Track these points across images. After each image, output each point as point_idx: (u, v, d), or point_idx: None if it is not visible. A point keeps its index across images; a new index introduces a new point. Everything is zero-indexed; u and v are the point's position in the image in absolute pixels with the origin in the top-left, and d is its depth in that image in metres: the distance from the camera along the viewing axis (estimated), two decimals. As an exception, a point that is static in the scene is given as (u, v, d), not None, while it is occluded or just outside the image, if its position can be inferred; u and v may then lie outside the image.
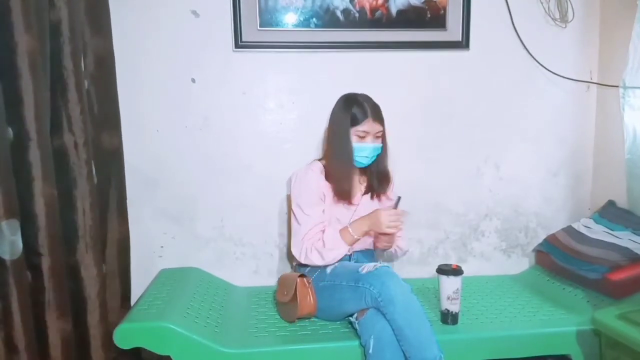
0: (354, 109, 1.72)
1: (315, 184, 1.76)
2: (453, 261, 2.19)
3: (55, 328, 1.44)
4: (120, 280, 1.84)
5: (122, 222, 1.84)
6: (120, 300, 1.84)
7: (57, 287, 1.44)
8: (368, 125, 1.72)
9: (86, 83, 1.67)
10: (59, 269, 1.46)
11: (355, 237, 1.70)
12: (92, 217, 1.60)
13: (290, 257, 2.02)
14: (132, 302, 1.93)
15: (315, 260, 1.70)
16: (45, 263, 1.40)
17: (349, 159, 1.73)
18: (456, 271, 1.67)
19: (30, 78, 1.33)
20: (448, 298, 1.67)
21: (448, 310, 1.68)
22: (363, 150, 1.73)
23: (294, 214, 1.78)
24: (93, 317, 1.60)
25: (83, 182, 1.56)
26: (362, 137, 1.72)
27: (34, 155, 1.36)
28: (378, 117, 1.74)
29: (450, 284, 1.67)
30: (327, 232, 1.73)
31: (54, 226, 1.43)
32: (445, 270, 1.68)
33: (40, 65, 1.37)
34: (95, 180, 1.66)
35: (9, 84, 1.31)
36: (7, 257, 1.29)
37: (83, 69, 1.62)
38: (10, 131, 1.33)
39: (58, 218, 1.47)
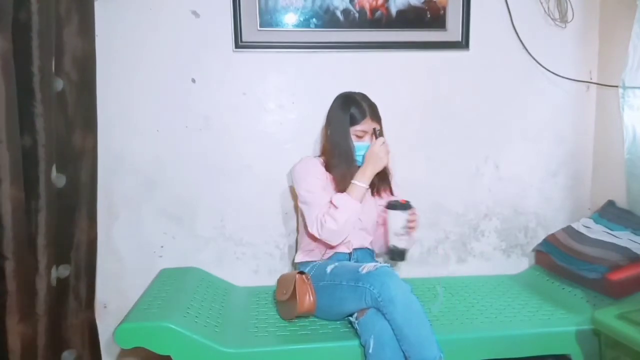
0: (352, 109, 1.74)
1: (318, 171, 1.79)
2: (453, 261, 2.20)
3: (16, 332, 1.40)
4: (87, 282, 1.80)
5: (90, 224, 1.80)
6: (85, 301, 1.79)
7: (20, 291, 1.40)
8: (366, 125, 1.74)
9: (61, 83, 1.66)
10: (23, 272, 1.42)
11: (361, 185, 1.69)
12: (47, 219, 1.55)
13: (291, 252, 2.03)
14: (101, 304, 1.93)
15: (330, 224, 1.67)
16: (9, 266, 1.37)
17: (351, 159, 1.74)
18: (403, 205, 1.63)
19: (2, 79, 1.31)
20: (395, 234, 1.64)
21: (395, 247, 1.65)
22: (360, 149, 1.74)
23: (302, 198, 1.77)
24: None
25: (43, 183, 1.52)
26: (360, 137, 1.75)
27: (3, 157, 1.33)
28: (376, 116, 1.76)
29: (397, 219, 1.63)
30: (334, 196, 1.71)
31: (20, 230, 1.40)
32: (393, 204, 1.64)
33: (12, 66, 1.35)
34: (64, 181, 1.65)
35: None
36: None
37: (53, 69, 1.60)
38: None
39: (25, 222, 1.43)
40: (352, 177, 1.73)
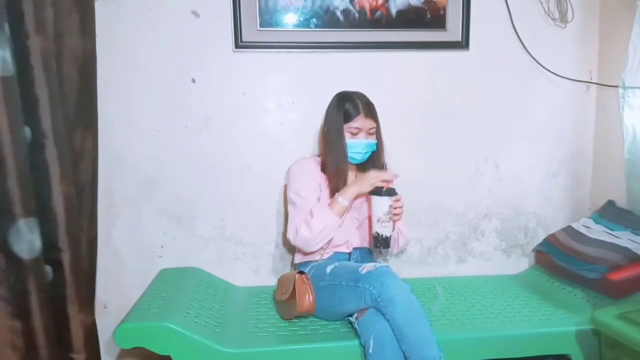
0: (346, 106, 1.75)
1: (313, 170, 1.80)
2: (453, 261, 2.20)
3: (77, 321, 1.47)
4: (87, 284, 1.82)
5: (90, 224, 1.81)
6: (87, 303, 1.79)
7: (78, 282, 1.47)
8: (360, 122, 1.74)
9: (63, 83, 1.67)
10: (78, 263, 1.48)
11: (343, 202, 1.69)
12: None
13: (291, 252, 2.03)
14: (101, 304, 1.93)
15: (304, 232, 1.69)
16: (66, 258, 1.43)
17: (343, 157, 1.75)
18: (387, 191, 1.62)
19: (44, 79, 1.37)
20: (379, 220, 1.63)
21: (378, 234, 1.64)
22: (356, 146, 1.75)
23: (290, 201, 1.79)
24: None
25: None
26: (354, 134, 1.75)
27: (51, 153, 1.38)
28: (371, 113, 1.76)
29: (380, 205, 1.62)
30: (315, 205, 1.73)
31: (73, 223, 1.46)
32: (377, 190, 1.63)
33: (54, 66, 1.39)
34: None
35: (25, 84, 1.34)
36: (25, 255, 1.30)
37: (55, 69, 1.61)
38: (27, 131, 1.36)
39: (76, 215, 1.50)
40: (344, 174, 1.74)
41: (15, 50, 1.32)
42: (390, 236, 1.66)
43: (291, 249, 2.09)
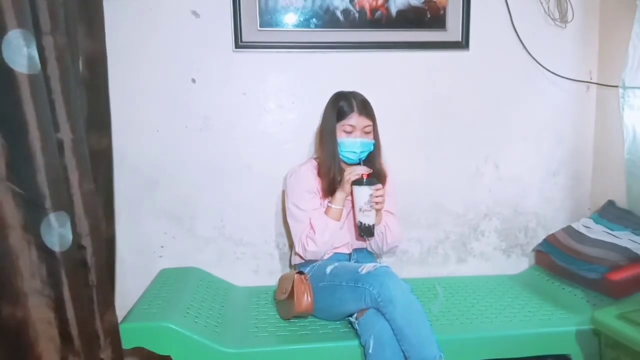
0: (340, 104, 1.75)
1: (309, 179, 1.80)
2: (453, 261, 2.20)
3: (103, 320, 1.48)
4: (110, 283, 1.82)
5: (109, 224, 1.81)
6: (111, 302, 1.81)
7: (102, 282, 1.48)
8: (354, 119, 1.73)
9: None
10: (102, 264, 1.50)
11: (337, 207, 1.73)
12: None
13: (290, 258, 2.03)
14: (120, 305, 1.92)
15: (311, 247, 1.73)
16: (90, 259, 1.44)
17: (333, 156, 1.75)
18: (367, 181, 1.64)
19: (89, 80, 1.39)
20: (360, 210, 1.66)
21: (361, 223, 1.67)
22: (350, 145, 1.73)
23: (290, 212, 1.80)
24: None
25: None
26: (349, 132, 1.74)
27: (68, 152, 1.39)
28: (366, 111, 1.75)
29: (361, 195, 1.65)
30: (313, 217, 1.75)
31: (93, 221, 1.47)
32: (357, 180, 1.66)
33: (69, 62, 1.40)
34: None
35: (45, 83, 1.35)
36: (56, 248, 1.31)
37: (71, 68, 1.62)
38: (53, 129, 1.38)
39: (98, 213, 1.53)
40: (332, 174, 1.74)
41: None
42: (374, 225, 1.68)
43: (292, 250, 2.09)
